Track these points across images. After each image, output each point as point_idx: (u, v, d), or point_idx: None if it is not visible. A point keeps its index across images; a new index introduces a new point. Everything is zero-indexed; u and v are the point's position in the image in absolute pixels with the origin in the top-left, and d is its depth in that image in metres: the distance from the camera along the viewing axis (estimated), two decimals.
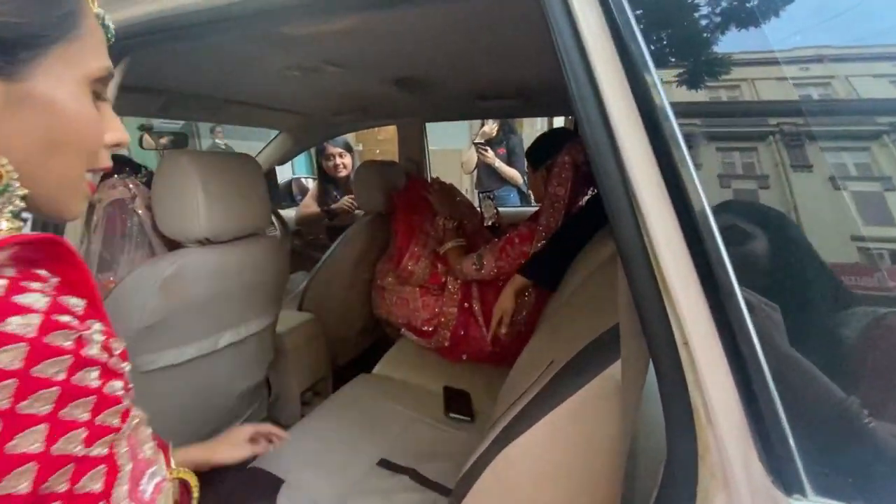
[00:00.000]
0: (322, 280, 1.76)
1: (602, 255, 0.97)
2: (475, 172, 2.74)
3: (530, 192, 2.69)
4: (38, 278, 0.31)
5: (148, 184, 1.10)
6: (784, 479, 0.32)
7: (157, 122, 2.04)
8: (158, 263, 0.95)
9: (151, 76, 1.24)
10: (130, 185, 1.05)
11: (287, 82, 1.44)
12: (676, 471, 0.38)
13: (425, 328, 1.54)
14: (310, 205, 2.44)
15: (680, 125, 0.36)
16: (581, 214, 1.27)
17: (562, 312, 0.96)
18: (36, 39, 0.33)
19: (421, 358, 1.52)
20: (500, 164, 2.60)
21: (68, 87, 0.35)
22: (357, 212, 2.38)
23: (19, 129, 0.32)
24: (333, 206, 2.35)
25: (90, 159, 0.38)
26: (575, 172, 1.32)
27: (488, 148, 2.57)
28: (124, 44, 0.75)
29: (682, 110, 0.36)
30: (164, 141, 1.85)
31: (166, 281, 0.93)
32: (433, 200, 1.63)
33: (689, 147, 0.35)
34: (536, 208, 1.41)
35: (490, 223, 1.80)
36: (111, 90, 0.78)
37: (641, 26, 0.38)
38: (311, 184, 2.70)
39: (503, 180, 2.64)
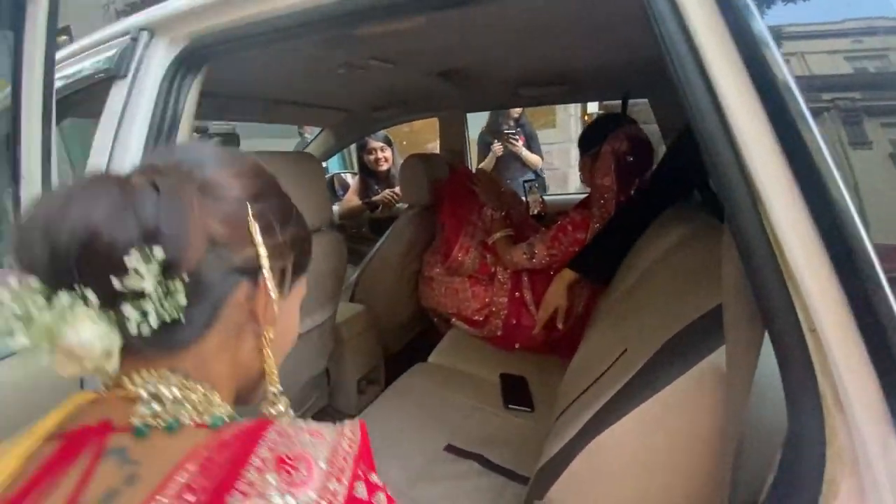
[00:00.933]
0: (372, 272, 1.80)
1: (668, 242, 0.96)
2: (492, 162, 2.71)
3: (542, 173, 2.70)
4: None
5: None
6: None
7: (211, 124, 2.13)
8: None
9: (213, 80, 1.30)
10: None
11: (333, 80, 1.47)
12: (799, 457, 0.38)
13: (476, 318, 1.56)
14: (352, 199, 2.49)
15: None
16: (630, 207, 1.25)
17: (628, 301, 0.95)
18: (309, 261, 0.46)
19: (474, 347, 1.54)
20: (525, 153, 2.60)
21: (297, 301, 0.46)
22: (399, 204, 2.41)
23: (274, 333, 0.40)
24: (375, 198, 2.39)
25: None
26: (616, 163, 1.30)
27: (518, 136, 2.56)
28: (207, 51, 0.78)
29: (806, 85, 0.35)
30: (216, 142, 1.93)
31: None
32: (479, 191, 1.63)
33: (816, 122, 0.34)
34: (574, 195, 1.40)
35: (536, 212, 1.79)
36: (193, 94, 0.82)
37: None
38: (350, 179, 2.75)
39: (524, 167, 2.64)
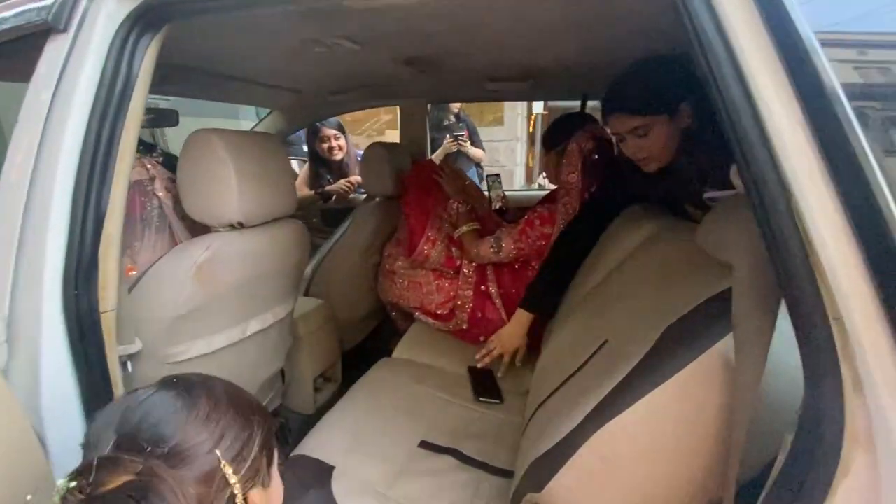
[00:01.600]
0: (329, 265, 1.72)
1: (639, 236, 1.00)
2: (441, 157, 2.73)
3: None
4: None
5: (165, 164, 1.03)
6: None
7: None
8: (191, 248, 0.90)
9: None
10: (148, 165, 0.98)
11: (291, 58, 1.37)
12: (815, 437, 0.40)
13: (440, 311, 1.54)
14: (300, 188, 2.36)
15: None
16: (568, 236, 1.28)
17: (601, 294, 0.98)
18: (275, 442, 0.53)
19: (438, 340, 1.52)
20: (470, 149, 2.65)
21: (277, 471, 0.52)
22: (353, 195, 2.33)
23: None
24: (329, 188, 2.28)
25: None
26: (583, 160, 1.34)
27: (466, 137, 2.59)
28: (170, 10, 0.69)
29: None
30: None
31: (200, 266, 0.88)
32: (445, 184, 1.61)
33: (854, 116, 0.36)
34: (533, 191, 1.41)
35: (497, 206, 1.81)
36: (150, 59, 0.72)
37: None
38: (296, 165, 2.61)
39: (469, 161, 2.69)
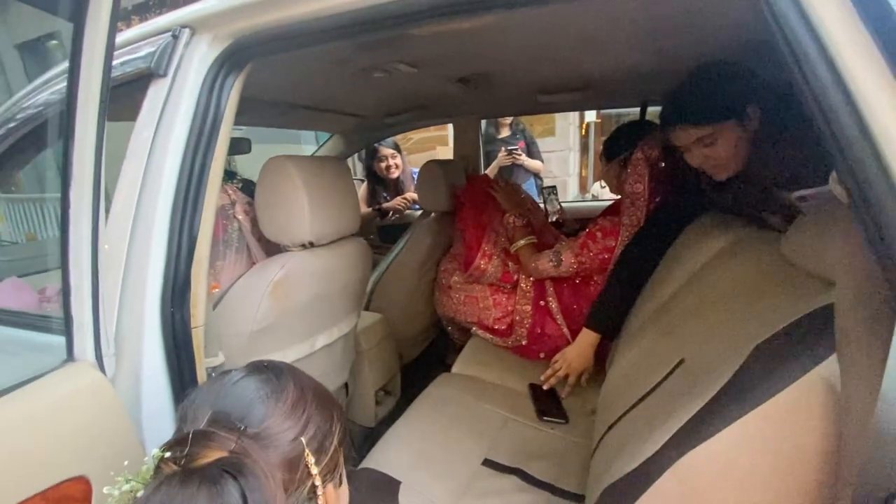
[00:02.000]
0: (389, 280, 1.76)
1: (715, 247, 0.95)
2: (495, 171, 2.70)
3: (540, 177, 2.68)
4: None
5: (244, 189, 1.11)
6: None
7: None
8: (268, 267, 0.96)
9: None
10: (229, 191, 1.06)
11: (352, 84, 1.44)
12: None
13: (498, 326, 1.53)
14: (360, 206, 2.46)
15: None
16: (631, 252, 1.24)
17: (675, 309, 0.93)
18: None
19: (496, 356, 1.51)
20: (527, 160, 2.59)
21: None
22: (408, 211, 2.39)
23: None
24: (386, 205, 2.36)
25: None
26: (650, 169, 1.29)
27: (520, 151, 2.56)
28: (251, 51, 0.75)
29: None
30: None
31: (276, 284, 0.94)
32: (500, 198, 1.61)
33: None
34: (590, 203, 1.37)
35: (554, 219, 1.78)
36: (235, 94, 0.79)
37: None
38: (355, 185, 2.72)
39: (526, 173, 2.63)
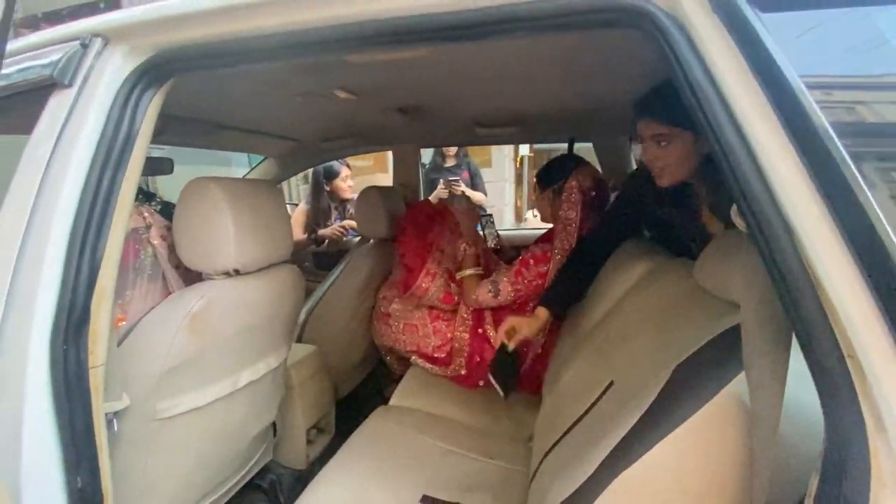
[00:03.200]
0: (323, 309, 1.69)
1: (636, 274, 1.01)
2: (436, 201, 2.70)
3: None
4: None
5: (162, 212, 1.03)
6: None
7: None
8: (184, 297, 0.88)
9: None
10: (145, 214, 0.97)
11: (288, 107, 1.41)
12: (842, 479, 0.39)
13: (437, 354, 1.51)
14: (294, 231, 2.36)
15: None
16: (590, 240, 1.31)
17: (602, 333, 0.98)
18: None
19: (436, 386, 1.48)
20: (469, 192, 2.60)
21: None
22: (345, 239, 2.33)
23: None
24: (322, 232, 2.29)
25: None
26: (582, 196, 1.38)
27: (460, 182, 2.59)
28: (175, 66, 0.71)
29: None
30: None
31: (194, 316, 0.86)
32: (461, 222, 1.61)
33: (851, 159, 0.38)
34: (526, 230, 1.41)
35: (492, 245, 1.82)
36: (153, 112, 0.73)
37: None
38: (290, 210, 2.62)
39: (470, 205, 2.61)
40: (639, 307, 0.92)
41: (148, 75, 0.70)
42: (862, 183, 0.37)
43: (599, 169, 1.92)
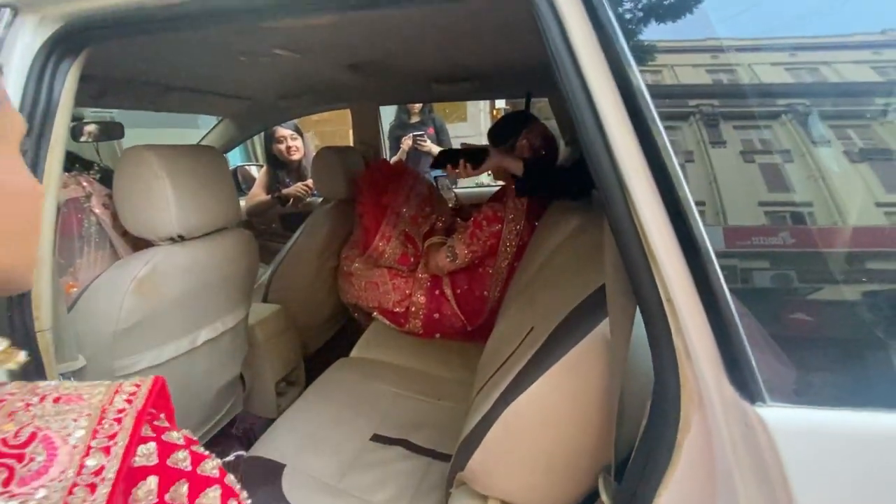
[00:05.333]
0: (286, 270, 1.74)
1: (567, 230, 1.07)
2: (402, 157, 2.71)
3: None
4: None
5: (102, 180, 1.04)
6: (749, 392, 0.42)
7: (88, 111, 1.87)
8: (130, 263, 0.92)
9: (90, 62, 1.15)
10: (84, 183, 0.99)
11: (235, 67, 1.39)
12: (663, 401, 0.47)
13: (397, 309, 1.59)
14: (258, 193, 2.36)
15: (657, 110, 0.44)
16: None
17: (534, 284, 1.05)
18: None
19: (395, 338, 1.57)
20: (435, 148, 2.60)
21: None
22: (310, 199, 2.34)
23: None
24: (285, 191, 2.29)
25: None
26: (532, 154, 1.41)
27: (426, 137, 2.59)
28: (87, 35, 0.71)
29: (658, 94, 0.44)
30: (91, 129, 1.69)
31: (141, 281, 0.90)
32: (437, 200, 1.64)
33: (668, 130, 0.43)
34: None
35: (450, 205, 1.86)
36: (71, 82, 0.74)
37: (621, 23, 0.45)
38: (255, 171, 2.60)
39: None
40: (565, 259, 0.99)
41: (61, 45, 0.70)
42: (668, 144, 0.42)
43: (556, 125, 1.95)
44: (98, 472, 0.23)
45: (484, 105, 5.39)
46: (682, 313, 0.44)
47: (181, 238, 0.97)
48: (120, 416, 0.25)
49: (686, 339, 0.44)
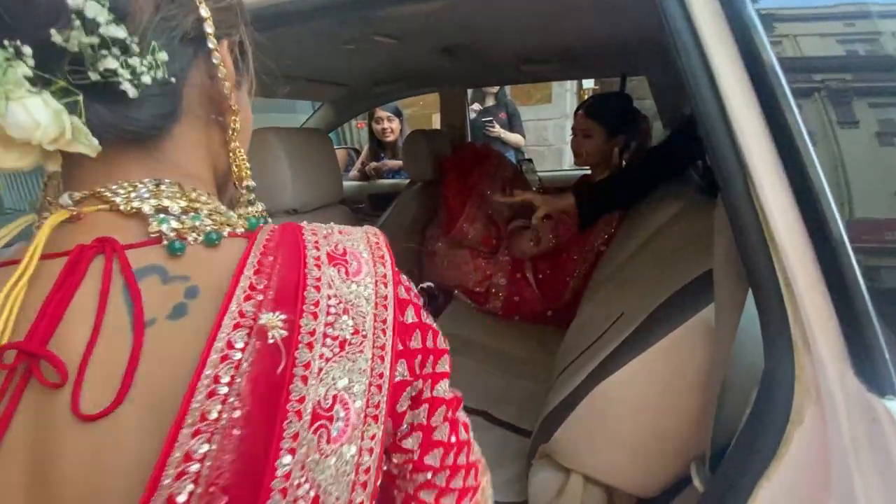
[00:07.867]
0: None
1: (664, 216, 1.03)
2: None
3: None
4: None
5: None
6: (878, 385, 0.39)
7: None
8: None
9: None
10: None
11: (336, 55, 1.48)
12: (774, 391, 0.45)
13: (478, 289, 1.63)
14: (355, 176, 2.54)
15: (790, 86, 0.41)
16: (632, 171, 1.30)
17: (626, 270, 1.03)
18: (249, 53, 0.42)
19: (475, 317, 1.62)
20: (505, 133, 2.58)
21: (248, 99, 0.42)
22: (384, 179, 2.46)
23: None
24: (370, 165, 2.43)
25: None
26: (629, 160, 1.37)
27: (494, 123, 2.55)
28: None
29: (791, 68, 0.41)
30: None
31: None
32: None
33: (799, 108, 0.40)
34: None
35: (534, 190, 1.85)
36: None
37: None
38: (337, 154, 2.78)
39: (504, 146, 2.59)
40: (662, 247, 0.95)
41: None
42: (802, 129, 0.40)
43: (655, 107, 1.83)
44: (384, 277, 0.32)
45: (571, 85, 5.16)
46: (803, 299, 0.42)
47: (295, 212, 1.08)
48: (377, 245, 0.35)
49: (805, 327, 0.42)
